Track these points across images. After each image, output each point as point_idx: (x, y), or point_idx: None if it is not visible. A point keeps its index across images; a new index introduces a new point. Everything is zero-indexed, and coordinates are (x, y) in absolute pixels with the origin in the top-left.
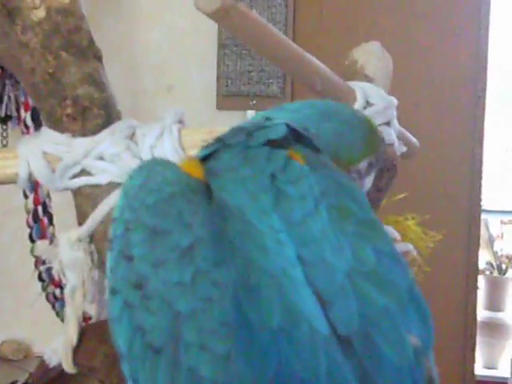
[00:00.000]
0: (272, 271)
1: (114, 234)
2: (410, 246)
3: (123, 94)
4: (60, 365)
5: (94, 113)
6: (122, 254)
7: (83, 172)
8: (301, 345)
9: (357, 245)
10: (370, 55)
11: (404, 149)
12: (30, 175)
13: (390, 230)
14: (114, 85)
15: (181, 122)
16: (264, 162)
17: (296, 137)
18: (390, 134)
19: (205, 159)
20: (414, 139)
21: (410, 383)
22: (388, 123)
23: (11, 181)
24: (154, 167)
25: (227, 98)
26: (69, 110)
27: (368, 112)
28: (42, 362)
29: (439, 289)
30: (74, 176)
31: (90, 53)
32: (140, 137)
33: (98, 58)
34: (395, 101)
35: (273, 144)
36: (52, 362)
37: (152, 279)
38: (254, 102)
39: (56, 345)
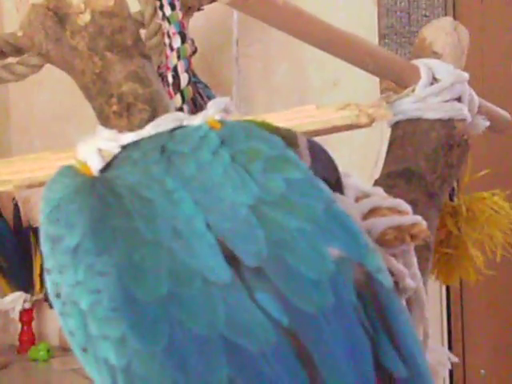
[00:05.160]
0: (159, 239)
1: None
2: (419, 218)
3: (291, 91)
4: None
5: (138, 108)
6: (44, 268)
7: None
8: (194, 302)
9: (264, 178)
10: (439, 31)
11: (487, 123)
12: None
13: (400, 202)
14: (280, 82)
15: (225, 111)
16: (154, 139)
17: None
18: (461, 109)
19: None
20: (503, 113)
21: (331, 293)
22: (458, 98)
23: None
24: (55, 178)
25: (391, 90)
26: (114, 107)
27: (434, 88)
28: None
29: None
30: None
31: (134, 51)
32: None
33: (144, 55)
34: (465, 75)
35: None
36: None
37: (62, 285)
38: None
39: None
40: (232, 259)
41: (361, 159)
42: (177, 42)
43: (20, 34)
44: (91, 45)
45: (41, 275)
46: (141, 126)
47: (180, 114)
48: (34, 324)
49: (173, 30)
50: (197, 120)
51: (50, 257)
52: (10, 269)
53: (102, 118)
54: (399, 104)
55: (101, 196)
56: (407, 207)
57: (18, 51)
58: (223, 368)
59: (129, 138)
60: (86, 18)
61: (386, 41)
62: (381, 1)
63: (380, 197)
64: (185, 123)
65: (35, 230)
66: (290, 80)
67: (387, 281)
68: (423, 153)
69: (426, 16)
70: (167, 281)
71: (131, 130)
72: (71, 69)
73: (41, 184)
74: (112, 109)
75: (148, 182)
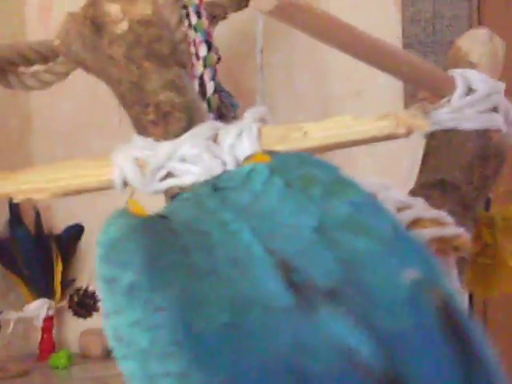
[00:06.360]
0: (217, 269)
1: None
2: (462, 230)
3: (314, 100)
4: None
5: (175, 117)
6: (103, 315)
7: (169, 174)
8: (256, 329)
9: (326, 202)
10: (475, 42)
11: None
12: (124, 180)
13: (441, 214)
14: (304, 92)
15: (262, 120)
16: (202, 182)
17: None
18: (497, 120)
19: None
20: None
21: (412, 314)
22: (495, 109)
23: (107, 187)
24: (109, 221)
25: (415, 99)
26: (151, 116)
27: (470, 99)
28: None
29: None
30: (162, 179)
31: (171, 60)
32: (221, 137)
33: (181, 64)
34: (502, 85)
35: None
36: None
37: (120, 328)
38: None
39: None
40: (295, 283)
41: (383, 170)
42: (203, 51)
43: (57, 42)
44: (128, 54)
45: (62, 283)
46: (177, 135)
47: (216, 123)
48: (54, 331)
49: (199, 38)
50: (233, 129)
51: (107, 300)
52: (31, 276)
53: (138, 127)
54: (435, 114)
55: (155, 233)
56: (449, 219)
57: (45, 59)
58: None
59: (165, 146)
60: (124, 26)
61: (411, 50)
62: (405, 10)
63: (421, 208)
64: (221, 132)
65: (56, 238)
66: (313, 89)
67: (462, 304)
68: (459, 164)
69: (450, 26)
70: (227, 310)
71: (167, 138)
72: (108, 77)
73: (76, 192)
74: (149, 118)
75: (202, 215)
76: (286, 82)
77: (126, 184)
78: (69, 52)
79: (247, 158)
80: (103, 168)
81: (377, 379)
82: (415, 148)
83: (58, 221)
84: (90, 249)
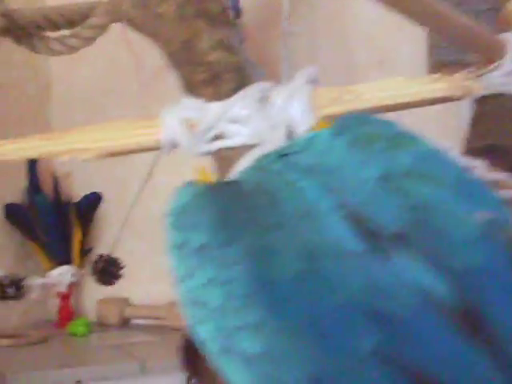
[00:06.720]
0: (285, 223)
1: None
2: None
3: (336, 69)
4: None
5: (226, 77)
6: (176, 281)
7: (219, 135)
8: (329, 274)
9: (389, 155)
10: None
11: None
12: (173, 141)
13: (507, 177)
14: (326, 60)
15: (314, 81)
16: (271, 151)
17: None
18: None
19: None
20: None
21: (484, 252)
22: None
23: (153, 148)
24: (178, 191)
25: (439, 68)
26: (202, 76)
27: None
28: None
29: None
30: (211, 140)
31: (221, 19)
32: (272, 99)
33: (230, 23)
34: None
35: None
36: None
37: (194, 291)
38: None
39: None
40: (365, 230)
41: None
42: (231, 17)
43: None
44: (179, 12)
45: (80, 251)
46: (227, 96)
47: (267, 84)
48: (71, 299)
49: (227, 4)
50: (285, 91)
51: (179, 265)
52: (49, 244)
53: (188, 87)
54: (486, 78)
55: (223, 195)
56: (508, 179)
57: (71, 24)
58: (369, 335)
59: (215, 107)
60: None
61: None
62: None
63: (484, 170)
64: (272, 94)
65: (75, 206)
66: (336, 58)
67: None
68: (509, 128)
69: None
70: (300, 258)
71: (218, 99)
72: (157, 36)
73: (119, 153)
74: (200, 77)
75: (268, 178)
76: (310, 51)
77: (173, 145)
78: (118, 10)
79: (309, 129)
80: (150, 129)
81: (452, 315)
82: (440, 113)
83: (77, 188)
84: (108, 217)
